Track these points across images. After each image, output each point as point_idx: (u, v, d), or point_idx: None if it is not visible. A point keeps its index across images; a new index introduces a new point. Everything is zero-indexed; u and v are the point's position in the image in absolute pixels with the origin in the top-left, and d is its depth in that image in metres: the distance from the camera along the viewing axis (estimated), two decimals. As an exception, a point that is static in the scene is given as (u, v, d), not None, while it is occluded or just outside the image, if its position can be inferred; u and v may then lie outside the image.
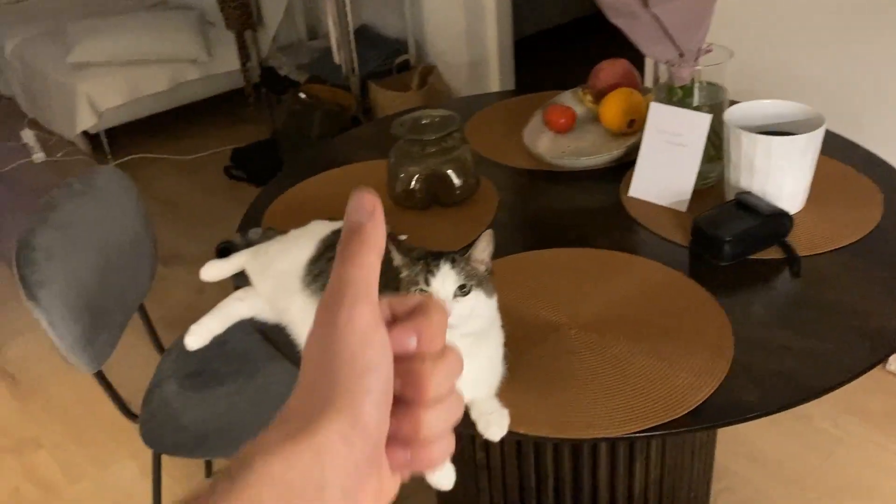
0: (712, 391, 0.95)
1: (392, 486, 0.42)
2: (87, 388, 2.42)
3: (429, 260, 0.89)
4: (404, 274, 0.90)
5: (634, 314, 1.10)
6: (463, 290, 0.88)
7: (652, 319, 1.08)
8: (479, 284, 0.89)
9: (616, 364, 1.01)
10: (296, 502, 0.35)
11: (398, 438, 0.41)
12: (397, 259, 0.91)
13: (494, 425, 0.93)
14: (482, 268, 0.91)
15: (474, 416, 0.94)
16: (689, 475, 1.45)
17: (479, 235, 0.90)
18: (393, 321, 0.43)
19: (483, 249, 0.91)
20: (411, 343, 0.42)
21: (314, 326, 0.40)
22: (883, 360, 1.00)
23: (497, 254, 1.25)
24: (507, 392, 0.97)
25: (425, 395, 0.41)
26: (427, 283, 0.87)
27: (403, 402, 0.41)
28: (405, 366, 0.41)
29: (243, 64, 4.15)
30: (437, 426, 0.42)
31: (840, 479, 1.94)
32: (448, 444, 0.43)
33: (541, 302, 1.13)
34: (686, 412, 0.93)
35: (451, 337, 0.84)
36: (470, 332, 0.90)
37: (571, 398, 0.97)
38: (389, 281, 1.00)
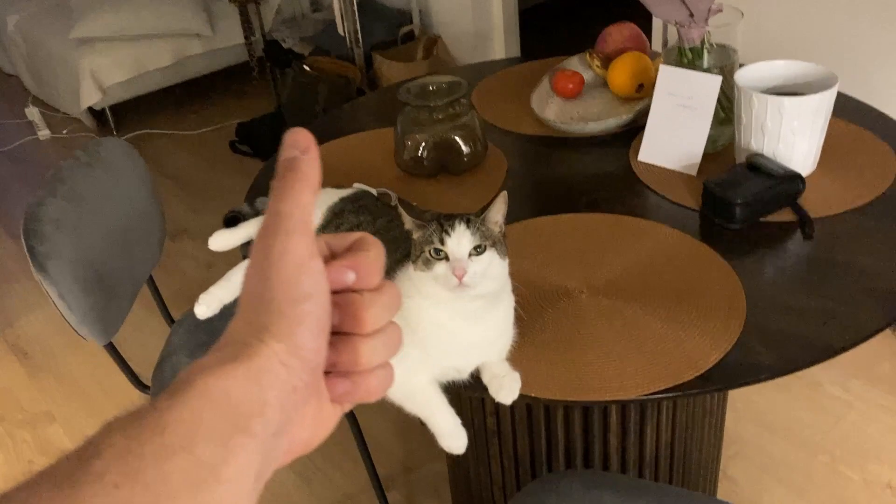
0: (724, 354, 0.95)
1: (332, 415, 0.44)
2: (98, 362, 2.43)
3: (443, 220, 0.89)
4: (417, 235, 0.90)
5: (646, 278, 1.09)
6: (478, 250, 0.87)
7: (663, 283, 1.08)
8: (494, 245, 0.89)
9: (627, 328, 1.01)
10: (235, 417, 0.36)
11: (338, 369, 0.43)
12: (408, 222, 0.91)
13: (506, 389, 0.92)
14: (496, 229, 0.91)
15: (486, 379, 0.94)
16: (700, 439, 1.45)
17: (495, 197, 0.90)
18: (332, 258, 0.44)
19: (498, 210, 0.90)
20: (349, 277, 0.43)
21: (252, 257, 0.41)
22: (895, 321, 1.00)
23: (507, 219, 1.25)
24: (519, 356, 0.97)
25: (363, 326, 0.43)
26: (442, 242, 0.87)
27: (343, 334, 0.43)
28: (344, 299, 0.43)
29: (247, 38, 4.12)
30: (375, 357, 0.43)
31: (850, 443, 1.94)
32: (387, 375, 0.45)
33: (552, 267, 1.13)
34: (697, 375, 0.93)
35: (466, 297, 0.83)
36: (483, 294, 0.89)
37: (583, 362, 0.96)
38: (400, 245, 0.99)
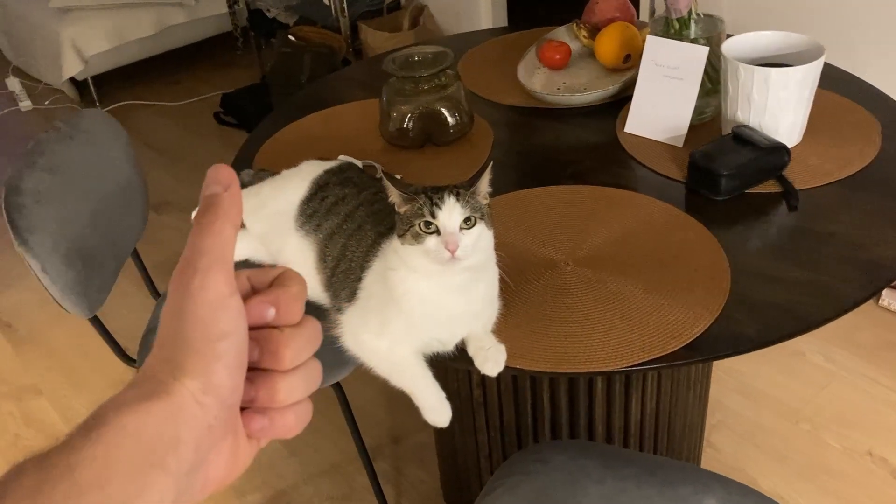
0: (709, 325, 0.95)
1: (248, 451, 0.44)
2: (84, 335, 2.42)
3: (431, 193, 0.88)
4: (404, 209, 0.89)
5: (630, 249, 1.09)
6: (468, 223, 0.87)
7: (648, 254, 1.08)
8: (482, 217, 0.89)
9: (612, 299, 1.01)
10: (149, 455, 0.36)
11: (256, 405, 0.43)
12: (394, 195, 0.90)
13: (491, 361, 0.93)
14: (484, 201, 0.91)
15: (471, 351, 0.95)
16: (685, 409, 1.46)
17: (483, 168, 0.90)
18: (253, 293, 0.44)
19: (486, 182, 0.90)
20: (269, 314, 0.43)
21: (169, 293, 0.40)
22: (880, 290, 1.00)
23: (492, 192, 1.24)
24: (504, 328, 0.97)
25: (283, 363, 0.43)
26: (433, 215, 0.86)
27: (262, 370, 0.43)
28: (264, 335, 0.43)
29: (230, 7, 4.06)
30: (294, 393, 0.43)
31: (832, 411, 1.97)
32: (305, 412, 0.45)
33: (536, 239, 1.13)
34: (682, 345, 0.93)
35: (455, 269, 0.83)
36: (472, 266, 0.89)
37: (568, 333, 0.97)
38: (385, 218, 0.99)
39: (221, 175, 0.43)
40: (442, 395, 0.97)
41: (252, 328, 0.42)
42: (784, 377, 2.06)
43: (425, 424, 1.00)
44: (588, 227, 1.14)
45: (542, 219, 1.17)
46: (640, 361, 0.92)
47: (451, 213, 0.87)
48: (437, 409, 0.97)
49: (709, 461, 1.86)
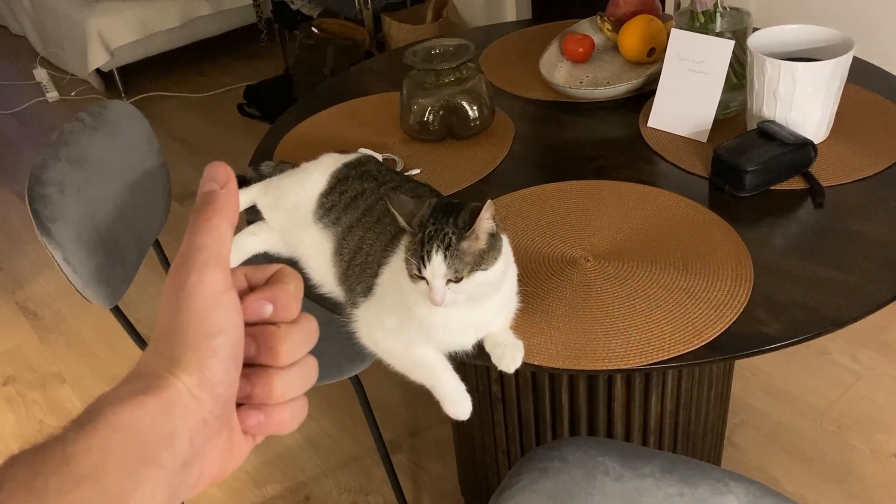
0: (731, 323, 0.94)
1: (244, 447, 0.44)
2: (109, 325, 2.44)
3: (425, 240, 0.84)
4: (407, 242, 0.87)
5: (651, 246, 1.08)
6: (457, 277, 0.84)
7: (670, 251, 1.06)
8: (479, 263, 0.84)
9: (633, 296, 1.00)
10: (144, 449, 0.36)
11: (252, 401, 0.43)
12: (400, 221, 0.87)
13: (508, 357, 0.92)
14: (483, 240, 0.85)
15: (489, 347, 0.94)
16: (705, 408, 1.44)
17: (480, 209, 0.83)
18: (250, 290, 0.44)
19: (484, 222, 0.84)
20: (266, 310, 0.43)
21: (166, 289, 0.41)
22: (906, 291, 0.98)
23: (512, 186, 1.23)
24: (523, 324, 0.97)
25: (279, 359, 0.43)
26: (420, 271, 0.84)
27: (258, 366, 0.43)
28: (261, 331, 0.43)
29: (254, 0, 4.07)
30: (290, 390, 0.43)
31: (858, 412, 1.93)
32: (301, 408, 0.45)
33: (557, 234, 1.12)
34: (703, 344, 0.92)
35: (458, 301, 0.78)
36: (475, 300, 0.88)
37: (587, 330, 0.96)
38: (396, 235, 0.97)
39: (218, 172, 0.43)
40: (462, 387, 0.96)
41: (249, 325, 0.43)
42: (809, 377, 2.04)
43: (444, 418, 1.00)
44: (608, 223, 1.13)
45: (563, 214, 1.16)
46: (659, 360, 0.91)
47: (435, 271, 0.83)
48: (457, 401, 0.96)
49: (731, 461, 1.84)
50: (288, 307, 0.44)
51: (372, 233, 1.01)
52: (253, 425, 0.43)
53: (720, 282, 1.00)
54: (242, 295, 0.43)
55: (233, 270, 0.43)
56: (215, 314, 0.40)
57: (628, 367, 0.91)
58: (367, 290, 0.98)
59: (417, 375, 0.97)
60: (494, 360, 0.93)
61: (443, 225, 0.84)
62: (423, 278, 0.85)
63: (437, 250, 0.83)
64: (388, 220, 1.00)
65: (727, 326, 0.93)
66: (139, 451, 0.35)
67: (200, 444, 0.39)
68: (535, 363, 0.93)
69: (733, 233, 1.08)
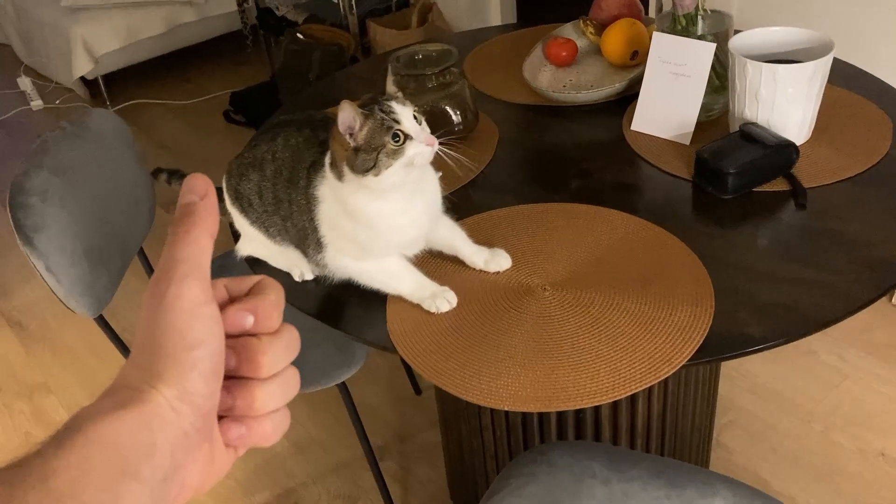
0: (705, 335, 0.92)
1: (225, 459, 0.44)
2: (94, 334, 2.43)
3: (379, 113, 0.91)
4: (362, 135, 0.91)
5: (608, 269, 1.04)
6: (417, 119, 0.93)
7: (627, 273, 1.03)
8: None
9: (596, 325, 0.96)
10: (123, 463, 0.36)
11: (234, 413, 0.43)
12: (352, 117, 0.91)
13: (500, 257, 1.05)
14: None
15: (469, 258, 1.05)
16: (692, 410, 1.45)
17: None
18: (230, 302, 0.44)
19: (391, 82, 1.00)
20: (247, 321, 0.43)
21: (145, 301, 0.41)
22: (889, 290, 0.99)
23: (499, 190, 1.24)
24: (488, 363, 0.93)
25: (260, 371, 0.43)
26: (399, 136, 0.90)
27: (239, 378, 0.43)
28: (242, 343, 0.43)
29: (240, 5, 4.06)
30: (271, 402, 0.43)
31: (844, 411, 1.94)
32: (283, 420, 0.45)
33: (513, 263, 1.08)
34: (675, 368, 0.91)
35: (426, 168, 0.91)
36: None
37: (555, 366, 0.92)
38: (295, 175, 1.03)
39: (197, 184, 0.43)
40: (435, 284, 1.03)
41: (230, 336, 0.42)
42: (796, 377, 2.05)
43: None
44: (560, 248, 1.09)
45: (512, 241, 1.11)
46: (631, 392, 0.89)
47: (408, 115, 0.91)
48: (437, 294, 1.01)
49: (719, 461, 1.84)
50: (269, 318, 0.44)
51: (285, 212, 1.05)
52: (235, 437, 0.43)
53: (682, 301, 0.97)
54: (223, 306, 0.43)
55: (213, 282, 0.43)
56: (195, 326, 0.40)
57: (603, 402, 0.89)
58: (319, 245, 1.03)
59: (395, 286, 1.03)
60: (483, 265, 1.04)
61: (377, 101, 0.92)
62: (402, 143, 0.90)
63: (390, 102, 0.92)
64: (290, 190, 1.04)
65: (704, 336, 0.92)
66: (119, 466, 0.35)
67: (181, 457, 0.39)
68: (505, 408, 0.90)
69: (688, 250, 1.05)
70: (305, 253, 1.06)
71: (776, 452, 1.87)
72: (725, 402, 1.98)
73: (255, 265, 1.16)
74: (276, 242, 1.09)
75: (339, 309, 1.07)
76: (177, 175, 1.28)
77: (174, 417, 0.38)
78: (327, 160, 0.98)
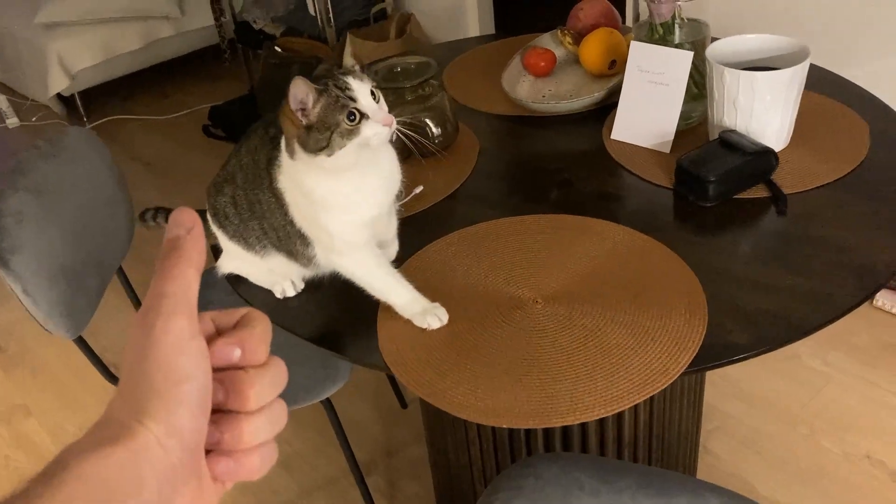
0: (700, 344, 0.92)
1: (213, 494, 0.43)
2: (73, 354, 2.40)
3: (334, 90, 0.87)
4: (315, 112, 0.87)
5: (598, 282, 1.04)
6: (374, 96, 0.89)
7: (618, 285, 1.03)
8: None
9: (590, 338, 0.95)
10: (111, 500, 0.35)
11: (221, 448, 0.43)
12: (304, 93, 0.87)
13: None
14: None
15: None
16: (679, 418, 1.44)
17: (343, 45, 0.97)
18: (217, 335, 0.44)
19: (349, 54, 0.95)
20: (235, 355, 0.43)
21: (131, 335, 0.41)
22: (871, 295, 0.99)
23: (482, 202, 1.23)
24: (483, 379, 0.92)
25: (248, 404, 0.43)
26: (354, 114, 0.87)
27: (227, 412, 0.43)
28: (229, 376, 0.43)
29: (217, 19, 4.05)
30: (259, 435, 0.43)
31: (830, 414, 1.95)
32: (270, 453, 0.45)
33: (499, 276, 1.07)
34: (669, 382, 0.90)
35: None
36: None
37: (552, 379, 0.91)
38: (256, 188, 1.01)
39: (184, 217, 0.43)
40: (426, 300, 1.00)
41: (217, 370, 0.42)
42: (781, 381, 2.05)
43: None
44: (550, 259, 1.09)
45: (503, 254, 1.11)
46: (631, 404, 0.88)
47: (364, 92, 0.87)
48: (428, 311, 0.99)
49: (706, 467, 1.84)
50: (256, 351, 0.44)
51: (259, 218, 1.03)
52: (222, 472, 0.43)
53: (675, 311, 0.97)
54: (210, 339, 0.43)
55: (200, 315, 0.43)
56: (182, 361, 0.40)
57: (599, 417, 0.88)
58: (305, 241, 1.01)
59: (387, 295, 1.00)
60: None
61: (331, 75, 0.88)
62: (358, 122, 0.87)
63: (353, 78, 0.87)
64: (254, 203, 1.02)
65: (698, 347, 0.92)
66: (106, 503, 0.35)
67: (169, 493, 0.39)
68: (504, 427, 0.89)
69: (677, 258, 1.05)
70: (294, 254, 1.04)
71: (763, 457, 1.87)
72: (711, 409, 1.98)
73: (237, 283, 1.15)
74: (259, 253, 1.06)
75: (325, 327, 1.06)
76: (162, 212, 1.25)
77: (162, 453, 0.38)
78: (282, 145, 0.95)
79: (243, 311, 0.46)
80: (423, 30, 3.53)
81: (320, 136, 0.87)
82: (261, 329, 0.45)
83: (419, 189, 1.28)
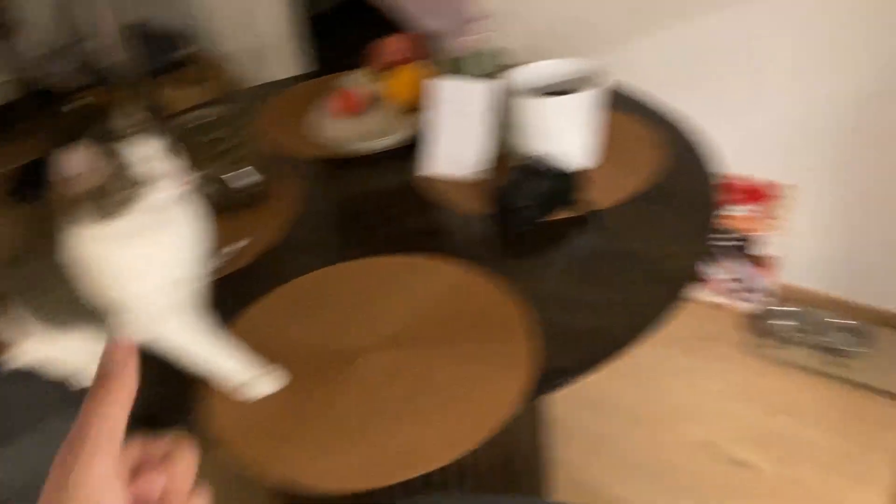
0: (533, 373, 0.93)
1: None
2: None
3: (115, 147, 0.79)
4: (104, 170, 0.78)
5: (435, 320, 1.03)
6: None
7: (454, 319, 1.02)
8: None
9: (426, 381, 0.93)
10: None
11: None
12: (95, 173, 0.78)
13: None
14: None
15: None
16: (517, 440, 1.46)
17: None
18: (146, 462, 0.46)
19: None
20: (160, 486, 0.45)
21: (53, 472, 0.41)
22: (680, 301, 1.04)
23: (309, 252, 1.20)
24: (307, 444, 0.88)
25: None
26: (143, 163, 0.79)
27: None
28: None
29: (10, 76, 3.78)
30: None
31: (667, 407, 2.05)
32: None
33: (322, 331, 1.03)
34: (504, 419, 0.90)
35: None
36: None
37: (391, 435, 0.88)
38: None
39: (117, 351, 0.44)
40: (254, 364, 0.94)
41: (146, 500, 0.44)
42: (619, 382, 2.14)
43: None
44: (380, 307, 1.06)
45: (336, 304, 1.07)
46: (480, 442, 0.87)
47: (151, 152, 0.79)
48: (258, 376, 0.93)
49: (564, 479, 1.88)
50: (182, 482, 0.45)
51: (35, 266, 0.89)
52: None
53: (507, 340, 0.97)
54: (138, 468, 0.45)
55: (129, 442, 0.44)
56: (104, 499, 0.40)
57: (442, 465, 0.85)
58: (104, 311, 0.88)
59: (207, 366, 0.92)
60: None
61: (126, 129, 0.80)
62: (146, 180, 0.78)
63: (147, 141, 0.80)
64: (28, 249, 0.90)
65: (527, 385, 0.92)
66: None
67: None
68: (349, 487, 0.84)
69: (503, 287, 1.06)
70: (99, 324, 0.91)
71: (610, 459, 1.93)
72: (562, 422, 2.03)
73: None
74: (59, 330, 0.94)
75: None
76: None
77: None
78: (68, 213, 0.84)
79: (171, 442, 0.47)
80: (237, 70, 3.45)
81: (102, 203, 0.78)
82: (188, 461, 0.46)
83: (244, 242, 1.23)
